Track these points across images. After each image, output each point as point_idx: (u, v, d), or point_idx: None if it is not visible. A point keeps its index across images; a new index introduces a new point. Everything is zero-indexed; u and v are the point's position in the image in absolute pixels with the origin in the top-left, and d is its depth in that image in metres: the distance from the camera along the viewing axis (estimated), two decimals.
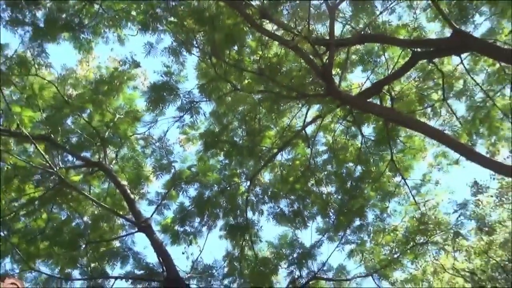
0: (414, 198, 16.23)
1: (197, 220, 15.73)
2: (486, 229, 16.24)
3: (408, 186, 16.03)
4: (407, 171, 15.93)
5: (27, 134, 14.68)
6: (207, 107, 15.20)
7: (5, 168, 15.33)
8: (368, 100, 13.45)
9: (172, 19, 13.82)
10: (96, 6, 14.18)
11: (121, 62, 15.81)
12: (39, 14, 13.85)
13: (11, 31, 13.84)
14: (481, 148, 15.86)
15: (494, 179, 16.71)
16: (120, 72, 15.98)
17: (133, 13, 14.09)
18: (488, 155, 15.06)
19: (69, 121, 16.41)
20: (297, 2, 13.47)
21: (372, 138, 15.79)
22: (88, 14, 14.25)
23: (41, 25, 13.84)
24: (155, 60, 14.09)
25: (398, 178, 16.02)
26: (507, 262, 16.25)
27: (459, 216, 16.00)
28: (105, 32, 14.63)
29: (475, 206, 16.39)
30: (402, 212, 16.54)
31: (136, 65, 15.64)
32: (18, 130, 14.77)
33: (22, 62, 14.64)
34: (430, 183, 16.78)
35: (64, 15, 13.99)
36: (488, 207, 16.57)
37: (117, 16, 14.24)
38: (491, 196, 16.70)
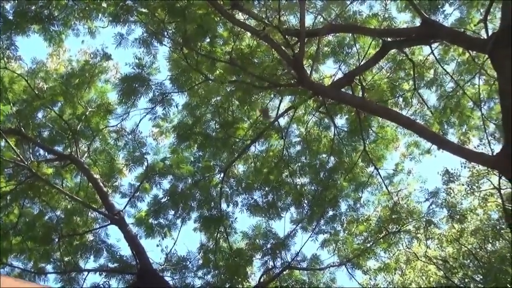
0: (386, 188, 16.40)
1: (171, 212, 15.66)
2: (458, 217, 16.39)
3: (381, 176, 16.18)
4: (380, 161, 16.05)
5: None
6: (179, 99, 15.22)
7: None
8: (340, 91, 13.46)
9: (143, 10, 13.70)
10: None
11: (92, 55, 15.70)
12: (8, 6, 13.69)
13: None
14: (452, 137, 16.02)
15: (465, 167, 16.88)
16: (91, 65, 15.85)
17: (104, 4, 13.95)
18: (459, 144, 15.19)
19: (40, 114, 16.33)
20: None
21: (345, 129, 15.88)
22: (58, 6, 14.04)
23: (10, 17, 13.66)
24: (126, 52, 14.00)
25: (371, 169, 16.11)
26: (478, 249, 16.40)
27: (431, 204, 16.16)
28: (75, 24, 14.52)
29: (446, 195, 16.56)
30: (375, 202, 16.73)
31: (108, 57, 15.54)
32: None
33: None
34: (403, 172, 16.94)
35: (33, 7, 13.79)
36: (459, 195, 16.72)
37: (87, 8, 14.07)
38: (462, 185, 16.85)
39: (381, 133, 15.91)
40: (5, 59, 14.82)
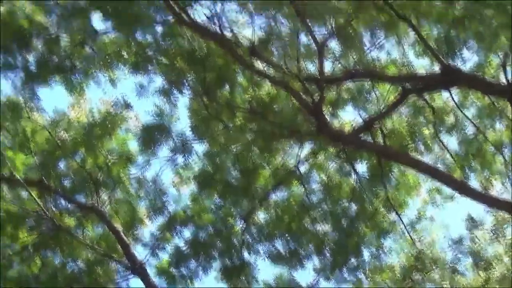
0: (409, 235, 16.11)
1: (193, 262, 15.56)
2: (483, 264, 16.06)
3: (403, 223, 15.93)
4: (402, 208, 15.85)
5: (20, 179, 14.64)
6: (200, 147, 15.25)
7: None
8: (360, 137, 13.45)
9: (163, 59, 13.89)
10: (88, 49, 14.26)
11: (113, 104, 15.81)
12: (31, 57, 13.94)
13: (2, 76, 13.94)
14: (474, 182, 15.80)
15: (489, 213, 16.58)
16: (112, 114, 15.95)
17: (124, 54, 14.15)
18: (482, 190, 15.01)
19: (62, 164, 16.33)
20: (287, 40, 13.59)
21: (366, 175, 15.74)
22: (80, 57, 14.31)
23: (33, 68, 13.90)
24: (146, 101, 14.16)
25: (393, 215, 15.92)
26: None
27: (455, 252, 15.96)
28: (96, 74, 14.66)
29: (470, 242, 16.23)
30: (398, 249, 16.43)
31: (128, 107, 15.64)
32: (10, 175, 14.74)
33: (13, 106, 14.66)
34: (425, 219, 16.64)
35: (55, 58, 14.06)
36: (484, 242, 16.40)
37: (108, 58, 14.28)
38: (487, 231, 16.54)
39: (402, 179, 15.74)
40: (27, 110, 14.98)
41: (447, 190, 16.32)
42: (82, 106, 16.64)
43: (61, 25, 13.81)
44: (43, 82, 14.12)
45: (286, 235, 15.83)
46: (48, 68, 13.91)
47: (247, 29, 13.90)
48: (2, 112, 14.66)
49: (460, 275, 16.19)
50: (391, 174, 15.58)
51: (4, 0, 13.57)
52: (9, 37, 13.44)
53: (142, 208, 16.60)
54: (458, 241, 16.04)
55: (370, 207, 15.78)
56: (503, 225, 16.60)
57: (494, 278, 16.54)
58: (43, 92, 14.59)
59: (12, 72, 13.83)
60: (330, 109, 14.63)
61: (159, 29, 13.73)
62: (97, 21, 13.71)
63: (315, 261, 15.85)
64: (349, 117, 15.81)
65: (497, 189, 15.83)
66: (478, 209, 17.28)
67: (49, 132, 15.72)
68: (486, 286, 16.30)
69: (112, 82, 14.85)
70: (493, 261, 16.43)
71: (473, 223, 16.36)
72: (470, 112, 15.35)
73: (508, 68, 12.85)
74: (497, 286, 16.35)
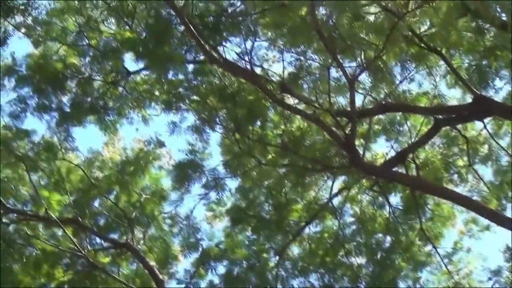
0: (446, 267, 15.97)
1: None
2: None
3: (439, 255, 15.78)
4: (438, 239, 15.71)
5: (55, 218, 14.78)
6: (232, 183, 15.30)
7: (34, 254, 15.35)
8: (393, 169, 13.37)
9: (194, 97, 14.01)
10: (120, 88, 14.45)
11: (146, 143, 15.97)
12: (65, 99, 14.18)
13: (38, 117, 14.15)
14: (511, 212, 15.59)
15: None
16: (145, 152, 16.10)
17: (157, 93, 14.31)
18: None
19: (96, 203, 16.51)
20: (317, 75, 13.64)
21: (400, 207, 15.63)
22: (113, 96, 14.51)
23: (67, 109, 14.10)
24: (179, 138, 14.26)
25: (429, 247, 15.78)
26: None
27: (494, 283, 15.70)
28: (129, 113, 14.88)
29: (509, 273, 15.98)
30: (435, 282, 16.27)
31: (161, 144, 15.76)
32: (46, 214, 14.88)
33: (49, 147, 14.86)
34: (462, 250, 16.47)
35: (89, 99, 14.27)
36: None
37: (140, 97, 14.44)
38: None
39: (437, 210, 15.60)
40: (62, 150, 15.17)
41: (483, 221, 16.19)
42: (116, 144, 16.88)
43: (94, 66, 14.05)
44: (77, 122, 14.33)
45: (321, 269, 15.74)
46: (82, 109, 14.13)
47: (277, 64, 14.05)
48: (38, 153, 14.85)
49: None
50: (426, 206, 15.46)
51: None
52: (44, 80, 13.68)
53: (175, 244, 16.66)
54: (496, 272, 15.79)
55: (405, 239, 15.63)
56: None
57: None
58: (77, 132, 14.81)
59: (47, 113, 14.05)
60: (362, 141, 14.57)
61: (190, 67, 13.96)
62: (129, 61, 13.99)
63: None
64: (381, 149, 15.90)
65: None
66: None
67: (84, 171, 15.92)
68: None
69: (145, 120, 15.06)
70: None
71: (511, 253, 16.13)
72: (505, 141, 15.28)
73: None
74: None
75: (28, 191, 15.37)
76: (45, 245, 15.33)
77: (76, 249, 15.02)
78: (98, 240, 16.55)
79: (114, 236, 16.45)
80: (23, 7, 12.98)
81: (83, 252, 15.06)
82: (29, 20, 13.47)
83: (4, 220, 15.20)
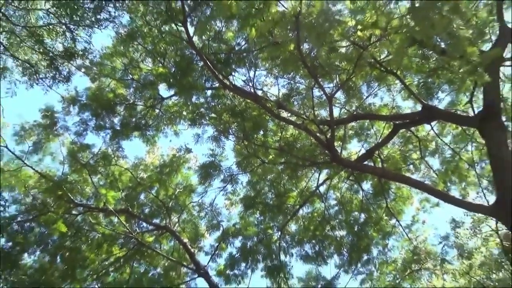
0: (407, 235, 15.96)
1: (243, 265, 15.44)
2: (466, 255, 15.74)
3: (402, 226, 15.78)
4: (400, 215, 15.65)
5: (112, 209, 14.81)
6: (243, 178, 15.30)
7: (97, 236, 15.39)
8: (364, 163, 13.33)
9: (212, 115, 14.02)
10: (157, 110, 14.47)
11: (177, 150, 15.99)
12: (116, 120, 14.25)
13: (96, 134, 14.25)
14: (454, 192, 15.54)
15: (467, 215, 16.24)
16: (177, 157, 16.11)
17: (184, 113, 14.32)
18: (460, 197, 14.75)
19: (142, 196, 16.51)
20: (304, 94, 13.63)
21: (371, 192, 15.61)
22: (151, 117, 14.53)
23: (118, 127, 14.14)
24: (202, 146, 14.29)
25: (393, 221, 15.69)
26: (485, 279, 15.56)
27: (443, 246, 15.78)
28: (164, 129, 14.87)
29: (455, 238, 15.93)
30: (399, 247, 16.25)
31: (189, 151, 15.78)
32: (104, 206, 14.92)
33: (105, 156, 14.93)
34: (418, 222, 16.42)
35: (134, 119, 14.29)
36: (465, 238, 16.04)
37: (172, 116, 14.46)
38: (467, 229, 16.17)
39: (398, 193, 15.58)
40: (115, 158, 15.21)
41: (434, 199, 16.14)
42: (155, 152, 16.93)
43: (136, 94, 14.09)
44: (125, 137, 14.37)
45: (312, 240, 15.65)
46: (128, 127, 14.18)
47: (274, 88, 14.06)
48: (97, 161, 14.89)
49: (448, 263, 15.87)
50: (390, 190, 15.44)
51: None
52: (100, 106, 13.72)
53: (202, 225, 16.68)
54: (445, 238, 15.88)
55: (375, 215, 15.56)
56: (479, 223, 16.26)
57: (475, 264, 16.14)
58: (126, 144, 14.84)
59: (102, 131, 14.11)
60: (340, 143, 14.56)
61: (208, 92, 13.96)
62: (163, 90, 14.03)
63: (336, 259, 15.67)
64: (355, 149, 15.91)
65: (472, 196, 15.57)
66: (459, 212, 16.97)
67: (131, 173, 15.97)
68: (469, 271, 15.92)
69: (176, 134, 15.05)
70: (474, 252, 16.07)
71: (455, 223, 16.07)
72: (448, 139, 15.26)
73: (474, 104, 12.70)
74: (479, 271, 15.96)
75: (91, 189, 15.40)
76: (105, 229, 15.40)
77: (128, 232, 15.05)
78: (144, 224, 16.54)
79: (156, 221, 16.46)
80: (82, 53, 13.02)
81: (133, 234, 15.08)
82: (87, 62, 13.53)
83: (73, 212, 15.27)
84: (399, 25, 9.84)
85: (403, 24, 9.81)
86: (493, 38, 13.13)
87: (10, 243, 13.98)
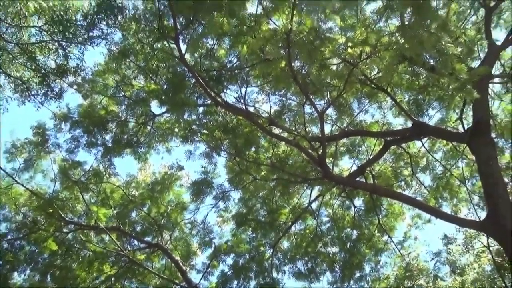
0: (399, 252, 15.94)
1: (235, 282, 15.33)
2: (458, 271, 15.73)
3: (394, 243, 15.77)
4: (392, 231, 15.65)
5: (103, 227, 14.72)
6: (235, 195, 15.25)
7: (88, 254, 15.26)
8: (355, 179, 13.36)
9: (204, 131, 14.03)
10: (149, 127, 14.47)
11: (169, 167, 15.97)
12: (107, 137, 14.20)
13: (87, 151, 14.16)
14: (446, 208, 15.57)
15: (459, 231, 16.27)
16: (169, 174, 16.08)
17: (176, 129, 14.31)
18: (452, 213, 14.81)
19: (133, 214, 16.42)
20: (295, 111, 13.70)
21: (362, 208, 15.59)
22: (143, 134, 14.51)
23: (109, 145, 14.10)
24: (194, 163, 14.27)
25: (385, 237, 15.68)
26: None
27: (436, 262, 15.75)
28: (156, 146, 14.82)
29: (447, 254, 15.93)
30: (391, 263, 16.21)
31: (181, 168, 15.75)
32: (96, 224, 14.83)
33: (96, 173, 14.82)
34: (411, 239, 16.43)
35: (125, 136, 14.26)
36: (457, 254, 16.06)
37: (164, 133, 14.45)
38: (459, 245, 16.19)
39: (390, 209, 15.58)
40: (106, 175, 15.13)
41: (426, 216, 16.17)
42: (147, 169, 16.90)
43: (128, 111, 14.08)
44: (117, 154, 14.29)
45: (305, 257, 15.59)
46: (120, 144, 14.11)
47: (265, 104, 14.12)
48: (88, 178, 14.82)
49: (441, 280, 15.85)
50: (382, 206, 15.45)
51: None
52: (91, 123, 13.70)
53: (194, 243, 16.57)
54: (437, 254, 15.85)
55: (367, 232, 15.55)
56: (471, 240, 16.29)
57: (468, 281, 16.13)
58: (117, 161, 14.80)
59: (94, 148, 14.05)
60: (332, 159, 14.61)
61: (200, 109, 13.94)
62: (155, 107, 14.04)
63: (328, 276, 15.58)
64: (346, 165, 15.94)
65: (464, 212, 15.64)
66: (451, 229, 16.99)
67: (123, 191, 15.89)
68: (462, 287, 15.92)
69: (168, 151, 14.99)
70: (466, 268, 16.08)
71: (447, 239, 16.09)
72: (438, 155, 15.35)
73: (464, 121, 12.81)
74: (471, 287, 15.96)
75: (82, 207, 15.30)
76: (96, 247, 15.29)
77: (119, 249, 14.96)
78: (135, 242, 16.44)
79: (148, 238, 16.37)
80: (74, 70, 13.04)
81: (125, 252, 14.98)
82: (79, 79, 13.53)
83: (64, 230, 15.15)
84: (389, 43, 9.97)
85: (393, 42, 9.94)
86: (482, 55, 13.35)
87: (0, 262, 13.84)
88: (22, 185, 14.51)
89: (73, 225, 15.17)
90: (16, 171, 14.53)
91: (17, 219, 14.67)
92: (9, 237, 14.27)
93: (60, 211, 14.40)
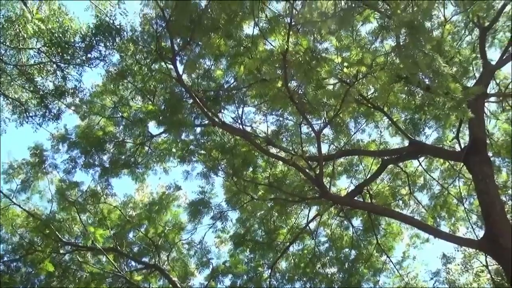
0: (398, 272, 15.87)
1: None
2: None
3: (392, 263, 15.73)
4: (390, 251, 15.58)
5: (100, 247, 14.62)
6: (233, 215, 15.17)
7: (85, 276, 15.14)
8: (353, 199, 13.34)
9: (202, 151, 14.04)
10: (146, 148, 14.47)
11: (167, 187, 15.93)
12: (105, 157, 14.17)
13: (85, 172, 14.14)
14: (444, 227, 15.55)
15: (458, 251, 16.21)
16: (166, 195, 16.03)
17: (173, 150, 14.31)
18: (450, 232, 14.79)
19: (131, 234, 16.35)
20: (292, 131, 13.73)
21: (361, 228, 15.55)
22: (141, 154, 14.50)
23: (107, 165, 14.09)
24: (192, 183, 14.23)
25: (384, 257, 15.62)
26: None
27: (435, 282, 15.67)
28: (154, 166, 14.76)
29: (446, 274, 15.86)
30: (390, 283, 16.09)
31: (178, 188, 15.71)
32: (93, 245, 14.74)
33: (93, 194, 14.80)
34: (409, 258, 16.37)
35: (123, 157, 14.26)
36: (456, 273, 15.99)
37: (162, 154, 14.44)
38: (458, 265, 16.13)
39: (388, 228, 15.54)
40: (104, 196, 15.10)
41: (424, 235, 16.13)
42: (144, 190, 16.85)
43: (126, 132, 14.09)
44: (114, 175, 14.27)
45: (303, 278, 15.49)
46: (118, 164, 14.10)
47: (263, 124, 14.16)
48: (85, 199, 14.80)
49: None
50: (380, 225, 15.40)
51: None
52: (89, 144, 13.71)
53: (192, 263, 16.47)
54: (436, 274, 15.79)
55: (366, 252, 15.48)
56: (470, 259, 16.22)
57: None
58: (115, 182, 14.75)
59: (91, 168, 14.03)
60: (329, 179, 14.59)
61: (198, 130, 13.98)
62: (152, 127, 14.05)
63: None
64: (344, 184, 15.93)
65: (462, 231, 15.61)
66: (449, 248, 16.92)
67: (121, 211, 15.84)
68: None
69: (165, 171, 14.95)
70: (465, 287, 16.00)
71: (446, 259, 16.02)
72: (435, 174, 15.38)
73: (461, 139, 12.88)
74: None
75: (79, 228, 15.23)
76: (93, 268, 15.19)
77: (116, 270, 14.86)
78: (133, 263, 16.32)
79: (145, 259, 16.26)
80: (72, 91, 13.10)
81: (122, 273, 14.88)
82: (77, 100, 13.59)
83: (61, 251, 15.06)
84: (384, 63, 10.06)
85: (388, 62, 10.03)
86: (477, 74, 13.46)
87: None
88: (19, 206, 14.48)
89: (70, 246, 15.08)
90: (13, 192, 14.51)
91: (14, 241, 14.59)
92: (5, 258, 14.17)
93: (57, 232, 14.33)
